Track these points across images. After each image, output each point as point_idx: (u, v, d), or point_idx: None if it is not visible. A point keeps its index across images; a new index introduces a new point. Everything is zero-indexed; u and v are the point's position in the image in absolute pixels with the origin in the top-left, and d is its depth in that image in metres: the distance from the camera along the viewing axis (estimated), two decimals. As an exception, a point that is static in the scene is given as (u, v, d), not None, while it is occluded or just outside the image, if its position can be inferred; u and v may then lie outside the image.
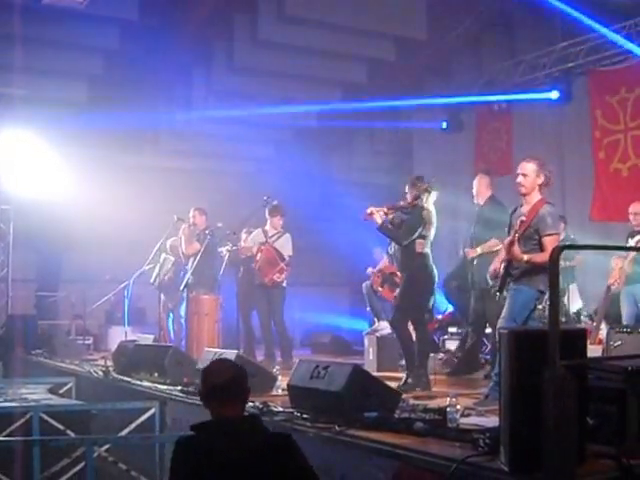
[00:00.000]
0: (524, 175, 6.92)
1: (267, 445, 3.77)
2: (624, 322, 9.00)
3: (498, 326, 7.14)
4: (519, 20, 14.52)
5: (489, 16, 14.20)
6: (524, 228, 6.78)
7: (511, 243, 6.71)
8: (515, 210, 7.15)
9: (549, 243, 6.69)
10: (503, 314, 7.00)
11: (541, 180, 6.94)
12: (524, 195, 6.97)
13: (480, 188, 9.43)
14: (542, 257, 6.65)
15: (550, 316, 3.89)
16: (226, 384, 3.86)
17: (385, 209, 8.25)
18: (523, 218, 6.78)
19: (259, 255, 10.99)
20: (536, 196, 6.95)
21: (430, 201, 8.32)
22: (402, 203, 8.39)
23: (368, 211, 8.19)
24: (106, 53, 13.54)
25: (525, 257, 6.71)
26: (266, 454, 3.72)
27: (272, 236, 11.17)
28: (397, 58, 14.51)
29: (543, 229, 6.76)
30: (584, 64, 12.86)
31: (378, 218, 8.14)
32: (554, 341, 3.71)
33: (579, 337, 4.27)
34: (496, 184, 9.77)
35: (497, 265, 7.08)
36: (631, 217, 9.72)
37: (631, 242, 9.38)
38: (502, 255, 7.04)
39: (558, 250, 3.79)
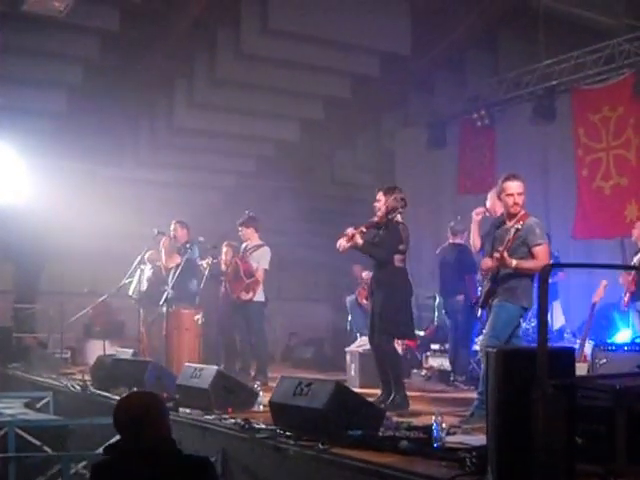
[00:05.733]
0: (520, 194, 6.95)
1: (183, 467, 3.72)
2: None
3: (481, 343, 7.11)
4: (503, 37, 14.58)
5: (473, 33, 14.20)
6: (513, 240, 6.78)
7: (501, 252, 6.71)
8: (499, 225, 7.13)
9: (540, 252, 6.79)
10: (486, 331, 6.99)
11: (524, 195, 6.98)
12: (514, 215, 6.97)
13: (496, 202, 9.19)
14: (532, 263, 6.74)
15: (539, 335, 3.84)
16: (130, 426, 3.73)
17: (363, 228, 8.08)
18: (518, 227, 6.80)
19: (228, 269, 10.91)
20: (522, 210, 6.98)
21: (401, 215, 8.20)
22: (377, 219, 8.19)
23: (350, 233, 7.94)
24: (86, 63, 13.41)
25: (514, 262, 6.72)
26: (181, 475, 3.67)
27: (249, 249, 10.98)
28: (381, 73, 14.48)
29: (532, 239, 6.81)
30: (567, 82, 12.89)
31: (359, 239, 7.93)
32: (543, 360, 3.66)
33: (567, 356, 4.22)
34: (479, 201, 9.72)
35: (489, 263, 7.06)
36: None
37: (635, 260, 9.48)
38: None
39: (548, 268, 3.75)
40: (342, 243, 8.05)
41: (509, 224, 6.96)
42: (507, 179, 7.04)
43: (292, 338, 17.29)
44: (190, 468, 3.74)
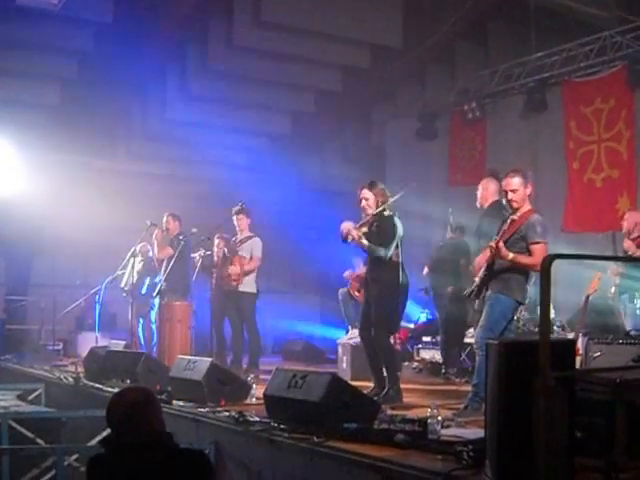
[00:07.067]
0: (513, 191, 6.91)
1: (179, 461, 3.72)
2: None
3: (475, 335, 7.11)
4: (494, 29, 14.57)
5: (464, 25, 14.18)
6: (511, 233, 6.77)
7: (496, 242, 6.71)
8: (506, 220, 7.11)
9: (537, 250, 6.71)
10: (481, 323, 6.98)
11: (529, 190, 6.95)
12: (516, 209, 6.94)
13: (486, 192, 8.86)
14: (528, 259, 6.74)
15: (541, 326, 3.84)
16: (123, 422, 3.72)
17: (364, 229, 7.97)
18: (514, 218, 6.82)
19: (219, 261, 10.93)
20: (526, 206, 6.96)
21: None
22: (369, 217, 8.10)
23: (355, 235, 7.89)
24: (80, 55, 13.35)
25: (511, 255, 6.70)
26: (176, 469, 3.67)
27: (240, 240, 10.99)
28: (372, 65, 14.45)
29: (532, 236, 6.77)
30: (558, 75, 12.91)
31: (364, 240, 7.89)
32: (545, 352, 3.65)
33: (568, 348, 4.21)
34: (469, 193, 9.71)
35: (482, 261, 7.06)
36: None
37: None
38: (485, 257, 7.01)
39: (550, 259, 3.73)
40: (353, 234, 7.99)
41: (512, 217, 6.97)
42: (506, 175, 7.04)
43: (282, 330, 17.25)
44: (187, 462, 3.73)
